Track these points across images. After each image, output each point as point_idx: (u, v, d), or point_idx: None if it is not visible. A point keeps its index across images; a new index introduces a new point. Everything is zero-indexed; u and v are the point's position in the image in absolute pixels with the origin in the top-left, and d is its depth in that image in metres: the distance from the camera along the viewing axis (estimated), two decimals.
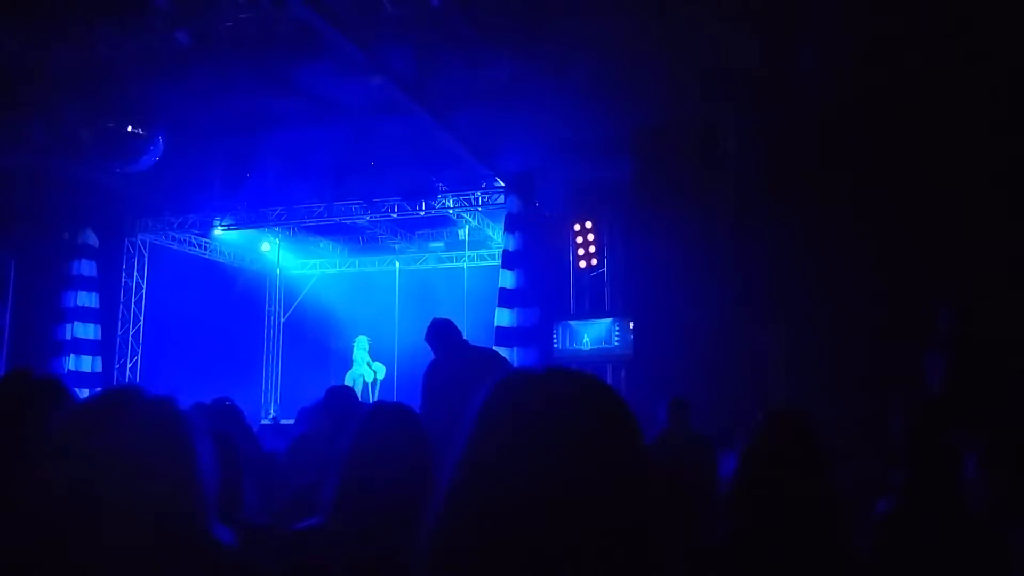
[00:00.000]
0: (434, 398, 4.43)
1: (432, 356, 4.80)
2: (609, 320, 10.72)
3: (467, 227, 13.96)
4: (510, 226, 11.15)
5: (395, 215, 12.79)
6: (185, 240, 14.42)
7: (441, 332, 4.78)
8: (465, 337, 4.96)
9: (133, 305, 13.53)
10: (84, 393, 10.29)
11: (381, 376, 13.46)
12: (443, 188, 12.02)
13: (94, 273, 12.71)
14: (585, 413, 1.05)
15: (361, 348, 13.90)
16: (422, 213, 12.62)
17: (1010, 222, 7.84)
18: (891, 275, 8.37)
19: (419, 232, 15.41)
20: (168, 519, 1.32)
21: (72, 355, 12.32)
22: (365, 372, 13.66)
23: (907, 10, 7.17)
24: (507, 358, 4.59)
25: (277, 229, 14.61)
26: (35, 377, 1.83)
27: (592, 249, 11.09)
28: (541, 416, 1.04)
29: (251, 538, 1.66)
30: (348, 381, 13.43)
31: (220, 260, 15.38)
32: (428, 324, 4.89)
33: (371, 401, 11.52)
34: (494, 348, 10.31)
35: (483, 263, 14.85)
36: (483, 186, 11.87)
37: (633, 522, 1.02)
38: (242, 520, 2.13)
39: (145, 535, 1.28)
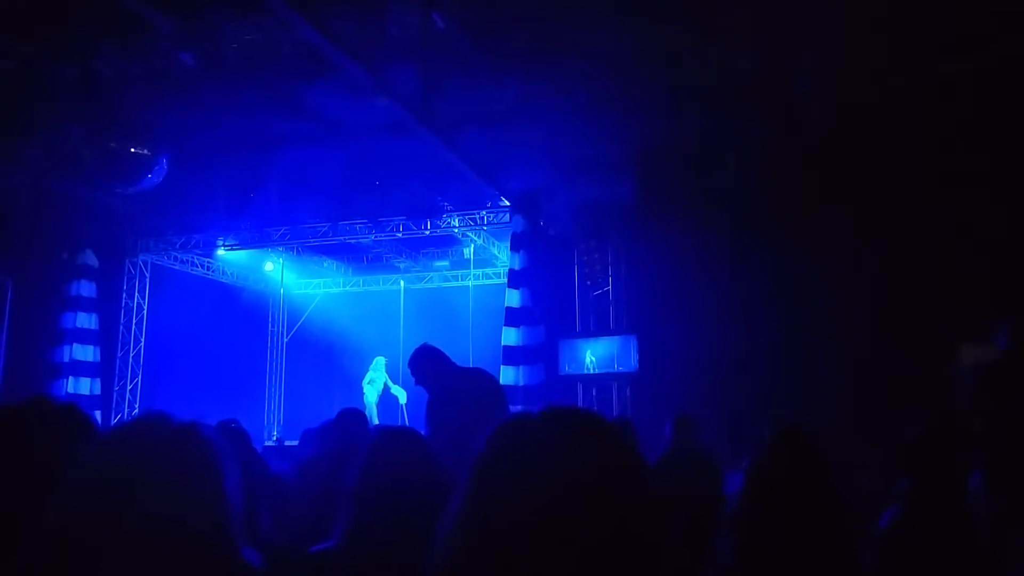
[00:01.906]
0: (441, 434, 4.28)
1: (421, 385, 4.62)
2: (614, 338, 10.71)
3: (472, 246, 13.96)
4: (515, 245, 11.16)
5: (400, 234, 12.79)
6: (188, 260, 14.39)
7: (429, 360, 4.60)
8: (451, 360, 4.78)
9: (134, 326, 13.47)
10: None
11: (403, 401, 13.30)
12: (448, 207, 12.03)
13: (93, 294, 12.63)
14: (582, 457, 1.06)
15: (377, 369, 13.77)
16: (427, 232, 12.62)
17: (1009, 237, 7.88)
18: (893, 291, 8.40)
19: (424, 251, 15.44)
20: (200, 544, 1.32)
21: (70, 377, 12.22)
22: (400, 393, 13.42)
23: (905, 31, 7.20)
24: (495, 376, 4.45)
25: (281, 249, 14.61)
26: (54, 404, 1.80)
27: (597, 268, 11.10)
28: (538, 464, 1.05)
29: (272, 560, 1.65)
30: (370, 403, 13.36)
31: (223, 280, 15.35)
32: (412, 352, 4.71)
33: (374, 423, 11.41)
34: (484, 368, 10.25)
35: (488, 282, 14.87)
36: (488, 205, 11.89)
37: (637, 558, 1.02)
38: (260, 542, 2.11)
39: (178, 561, 1.28)
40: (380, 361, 13.73)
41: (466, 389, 4.33)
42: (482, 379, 4.50)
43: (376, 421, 12.76)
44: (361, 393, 13.47)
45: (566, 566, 0.99)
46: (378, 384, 13.52)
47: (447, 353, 4.64)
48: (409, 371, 4.60)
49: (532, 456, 1.06)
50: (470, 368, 4.61)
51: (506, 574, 1.00)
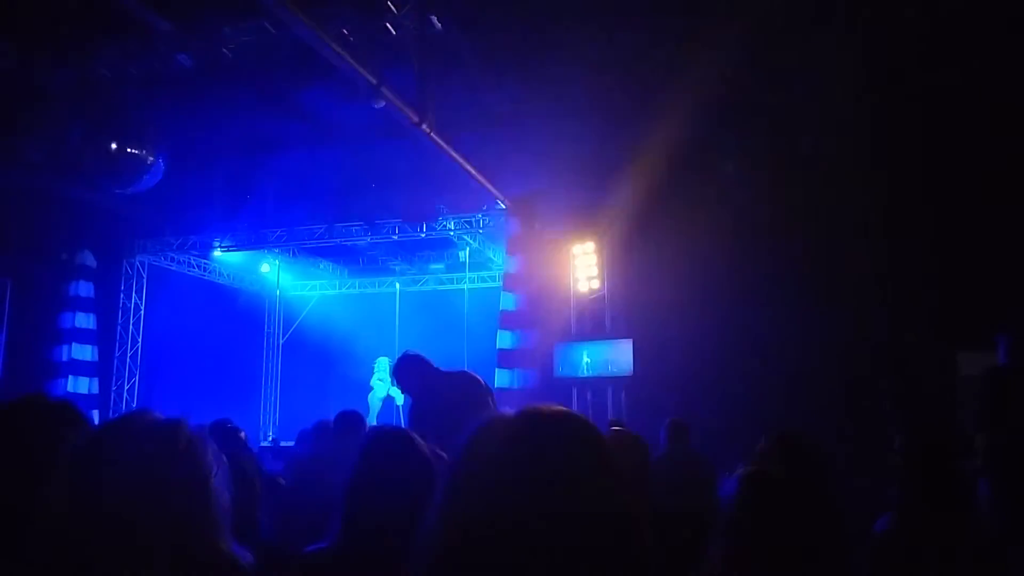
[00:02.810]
0: (423, 438, 4.26)
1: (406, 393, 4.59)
2: (610, 341, 10.72)
3: (468, 249, 13.97)
4: (511, 248, 11.18)
5: (396, 237, 12.81)
6: (184, 261, 14.41)
7: (413, 368, 4.58)
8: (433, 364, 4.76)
9: (131, 326, 13.49)
10: None
11: (400, 402, 13.30)
12: (444, 210, 12.05)
13: (91, 294, 12.67)
14: (556, 456, 1.06)
15: (382, 370, 13.76)
16: (423, 235, 12.65)
17: (1009, 244, 7.89)
18: (891, 298, 8.41)
19: (420, 254, 15.44)
20: (186, 537, 1.34)
21: (69, 377, 12.24)
22: (396, 395, 13.46)
23: (902, 40, 7.24)
24: (481, 379, 4.42)
25: (277, 250, 14.62)
26: (50, 401, 1.82)
27: (593, 271, 11.12)
28: (513, 463, 1.05)
29: (266, 559, 1.66)
30: (373, 404, 13.38)
31: (219, 281, 15.37)
32: (396, 360, 4.69)
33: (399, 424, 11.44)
34: (468, 370, 10.27)
35: (484, 285, 14.88)
36: (484, 208, 11.91)
37: (620, 554, 1.03)
38: (257, 541, 2.13)
39: (164, 554, 1.30)
40: (382, 362, 13.74)
41: (449, 393, 4.31)
42: (467, 382, 4.47)
43: (374, 419, 12.81)
44: (368, 390, 13.51)
45: (544, 565, 0.99)
46: (386, 384, 13.55)
47: (439, 357, 4.63)
48: (394, 380, 4.58)
49: (506, 455, 1.06)
50: (455, 372, 4.58)
51: (484, 570, 1.00)
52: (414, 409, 4.39)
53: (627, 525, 1.05)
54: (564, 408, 1.15)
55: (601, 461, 1.09)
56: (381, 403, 13.63)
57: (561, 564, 1.00)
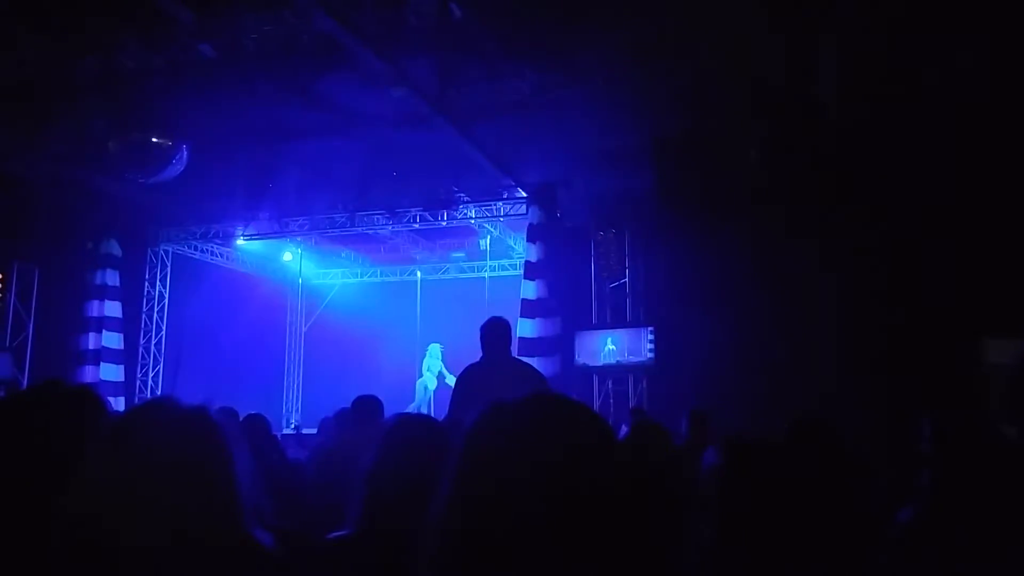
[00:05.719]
0: (464, 402, 4.37)
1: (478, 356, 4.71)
2: (631, 330, 10.70)
3: (489, 237, 13.98)
4: (532, 237, 11.17)
5: (417, 225, 12.85)
6: (207, 250, 14.55)
7: (493, 332, 4.63)
8: (511, 346, 4.83)
9: (156, 314, 13.64)
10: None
11: (450, 381, 13.38)
12: (465, 198, 12.06)
13: (117, 283, 12.81)
14: (564, 442, 1.08)
15: (434, 356, 13.78)
16: (444, 223, 12.68)
17: None
18: (914, 286, 8.33)
19: (441, 242, 15.48)
20: (208, 521, 1.36)
21: (101, 364, 12.39)
22: (428, 381, 13.53)
23: (929, 26, 7.14)
24: (542, 375, 4.48)
25: (299, 239, 14.71)
26: (68, 387, 1.83)
27: (614, 260, 11.10)
28: (522, 448, 1.07)
29: (289, 546, 1.68)
30: (420, 390, 13.48)
31: (242, 270, 15.50)
32: (489, 319, 4.71)
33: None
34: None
35: (504, 273, 14.91)
36: (505, 196, 11.90)
37: (618, 539, 1.04)
38: (273, 527, 2.15)
39: (188, 538, 1.32)
40: (435, 348, 13.73)
41: (502, 372, 4.38)
42: (530, 369, 4.56)
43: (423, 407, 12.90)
44: (414, 376, 13.59)
45: (544, 550, 1.01)
46: (433, 372, 13.62)
47: (460, 345, 4.71)
48: (482, 335, 4.59)
49: (509, 441, 1.08)
50: (522, 361, 4.68)
51: (490, 554, 1.02)
52: (470, 366, 4.43)
53: (625, 511, 1.06)
54: (567, 396, 1.17)
55: (602, 449, 1.10)
56: (428, 392, 13.67)
57: (561, 549, 1.01)
